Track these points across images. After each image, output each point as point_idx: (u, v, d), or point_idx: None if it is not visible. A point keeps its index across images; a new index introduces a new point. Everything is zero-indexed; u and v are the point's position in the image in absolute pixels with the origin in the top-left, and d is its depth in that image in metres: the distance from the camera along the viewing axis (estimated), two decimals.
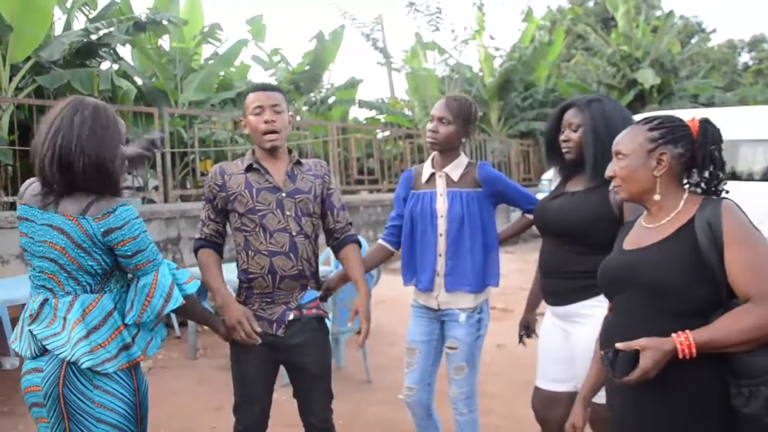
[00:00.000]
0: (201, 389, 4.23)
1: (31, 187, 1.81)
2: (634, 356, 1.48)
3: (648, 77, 13.76)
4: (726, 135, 5.94)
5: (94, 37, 7.51)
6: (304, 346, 2.24)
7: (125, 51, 9.25)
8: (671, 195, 1.64)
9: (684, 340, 1.46)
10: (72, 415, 1.74)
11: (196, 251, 2.33)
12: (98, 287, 1.78)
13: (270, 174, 2.24)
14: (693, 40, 21.58)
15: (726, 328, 1.45)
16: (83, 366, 1.72)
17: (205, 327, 5.65)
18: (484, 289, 2.59)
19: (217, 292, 2.24)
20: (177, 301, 1.81)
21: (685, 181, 1.68)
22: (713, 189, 1.65)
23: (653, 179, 1.63)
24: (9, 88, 6.78)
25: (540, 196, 2.55)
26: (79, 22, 8.30)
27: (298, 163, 2.32)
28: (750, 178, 6.66)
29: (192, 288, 1.88)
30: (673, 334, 1.47)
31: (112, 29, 7.46)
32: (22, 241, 1.80)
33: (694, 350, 1.45)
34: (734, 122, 6.92)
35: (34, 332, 1.77)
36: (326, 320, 2.38)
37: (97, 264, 1.75)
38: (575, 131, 2.26)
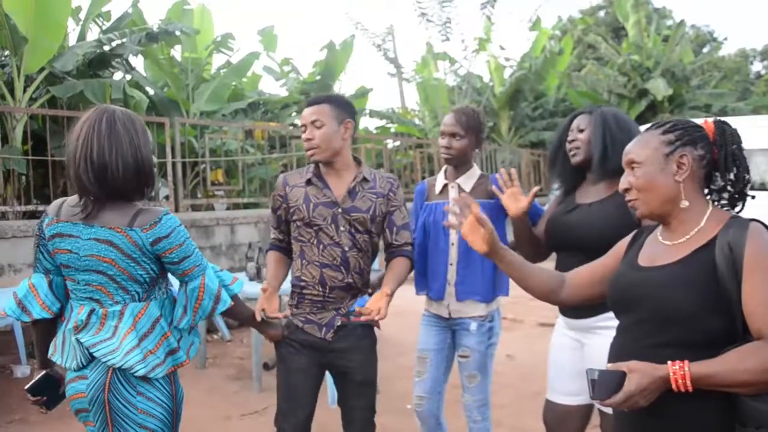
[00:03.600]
0: (210, 398, 4.22)
1: (66, 203, 1.83)
2: (621, 378, 1.34)
3: (659, 87, 13.72)
4: None
5: (107, 47, 7.60)
6: (349, 351, 2.26)
7: (138, 61, 9.36)
8: (694, 207, 1.48)
9: (678, 369, 1.31)
10: (116, 420, 1.78)
11: (266, 252, 2.45)
12: (145, 295, 1.82)
13: (329, 188, 2.26)
14: (705, 50, 21.50)
15: (730, 364, 1.29)
16: (138, 374, 1.76)
17: (215, 336, 5.69)
18: (495, 299, 2.61)
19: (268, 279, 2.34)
20: (226, 302, 1.89)
21: (707, 192, 1.53)
22: (741, 191, 1.50)
23: (676, 185, 1.47)
24: (23, 99, 6.86)
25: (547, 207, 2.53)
26: (93, 33, 8.42)
27: (364, 180, 2.29)
28: (763, 187, 6.62)
29: (237, 288, 1.97)
30: (669, 362, 1.32)
31: (124, 40, 7.54)
32: (63, 258, 1.79)
33: (689, 383, 1.30)
34: (747, 131, 6.87)
35: (82, 340, 1.79)
36: (374, 328, 2.36)
37: (146, 272, 1.79)
38: (582, 131, 2.27)
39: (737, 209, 1.53)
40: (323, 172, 2.29)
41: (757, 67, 27.59)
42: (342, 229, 2.23)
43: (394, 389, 4.24)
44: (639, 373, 1.33)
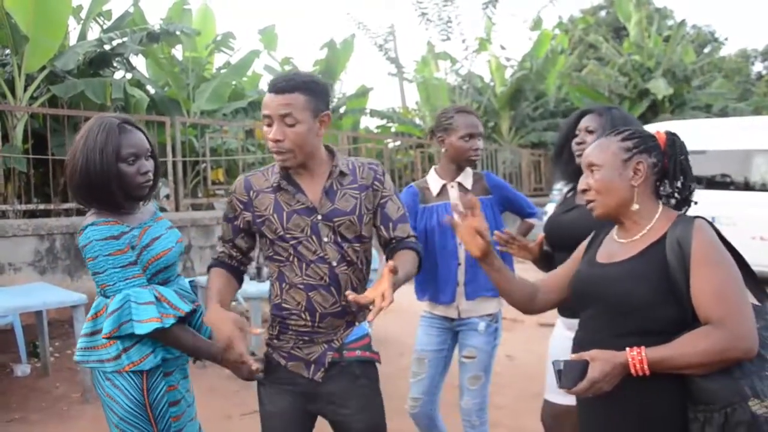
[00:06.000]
0: (209, 398, 4.22)
1: None
2: (584, 367, 1.45)
3: (660, 87, 13.71)
4: (740, 145, 5.95)
5: (107, 47, 7.61)
6: (341, 396, 1.82)
7: (138, 61, 9.36)
8: (646, 208, 1.61)
9: (636, 355, 1.42)
10: (100, 400, 1.91)
11: (208, 271, 1.96)
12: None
13: (302, 192, 1.82)
14: (706, 50, 21.50)
15: (682, 348, 1.42)
16: (74, 359, 1.92)
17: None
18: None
19: (207, 309, 1.80)
20: (103, 331, 1.79)
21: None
22: (686, 198, 1.65)
23: (631, 190, 1.59)
24: (24, 98, 6.86)
25: (550, 207, 2.53)
26: (94, 33, 8.42)
27: (342, 174, 1.85)
28: (763, 188, 6.61)
29: (141, 329, 1.76)
30: (627, 348, 1.44)
31: (125, 39, 7.55)
32: None
33: (646, 367, 1.42)
34: (748, 132, 6.88)
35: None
36: (376, 364, 1.91)
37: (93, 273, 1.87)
38: (591, 133, 2.23)
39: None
40: (292, 172, 1.85)
41: (758, 67, 27.60)
42: (325, 239, 1.80)
43: (395, 390, 4.20)
44: (601, 361, 1.44)
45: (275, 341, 1.88)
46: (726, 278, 1.47)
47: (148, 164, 1.89)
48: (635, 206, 1.59)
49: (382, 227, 1.89)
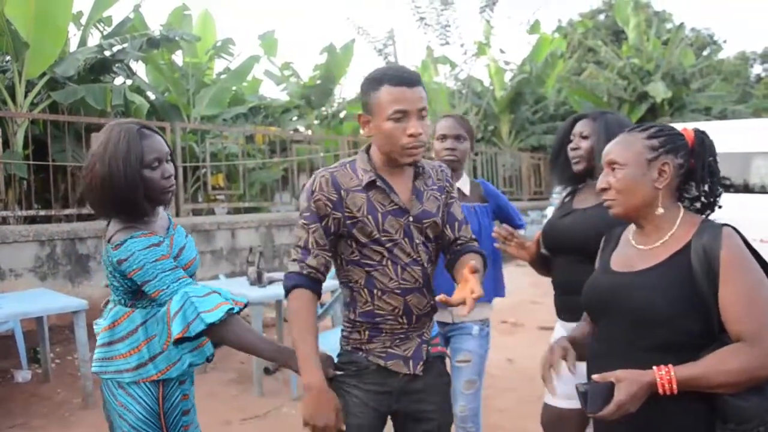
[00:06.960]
0: (209, 403, 4.21)
1: None
2: (610, 389, 1.36)
3: (659, 90, 13.73)
4: (739, 147, 5.94)
5: (108, 53, 7.64)
6: (428, 391, 1.77)
7: (139, 66, 9.39)
8: (668, 212, 1.51)
9: (665, 374, 1.34)
10: (106, 408, 1.87)
11: (289, 290, 1.72)
12: (131, 302, 1.86)
13: (395, 192, 1.72)
14: (704, 53, 21.55)
15: (712, 366, 1.34)
16: (91, 370, 1.88)
17: None
18: (493, 300, 2.68)
19: (302, 361, 1.64)
20: (172, 334, 1.74)
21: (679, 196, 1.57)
22: (712, 202, 1.54)
23: (655, 192, 1.49)
24: (24, 104, 6.88)
25: (550, 210, 2.54)
26: (94, 39, 8.45)
27: (425, 173, 1.80)
28: (763, 190, 6.61)
29: (212, 317, 1.70)
30: (654, 367, 1.36)
31: (125, 45, 7.58)
32: None
33: (674, 386, 1.34)
34: (747, 134, 6.89)
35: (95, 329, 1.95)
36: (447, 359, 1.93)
37: (120, 285, 1.84)
38: (585, 138, 2.23)
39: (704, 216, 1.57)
40: (381, 169, 1.74)
41: (757, 69, 27.66)
42: (417, 241, 1.73)
43: None
44: (627, 381, 1.36)
45: (367, 345, 1.76)
46: (758, 290, 1.38)
47: (170, 168, 1.85)
48: (660, 210, 1.50)
49: (447, 226, 1.82)
